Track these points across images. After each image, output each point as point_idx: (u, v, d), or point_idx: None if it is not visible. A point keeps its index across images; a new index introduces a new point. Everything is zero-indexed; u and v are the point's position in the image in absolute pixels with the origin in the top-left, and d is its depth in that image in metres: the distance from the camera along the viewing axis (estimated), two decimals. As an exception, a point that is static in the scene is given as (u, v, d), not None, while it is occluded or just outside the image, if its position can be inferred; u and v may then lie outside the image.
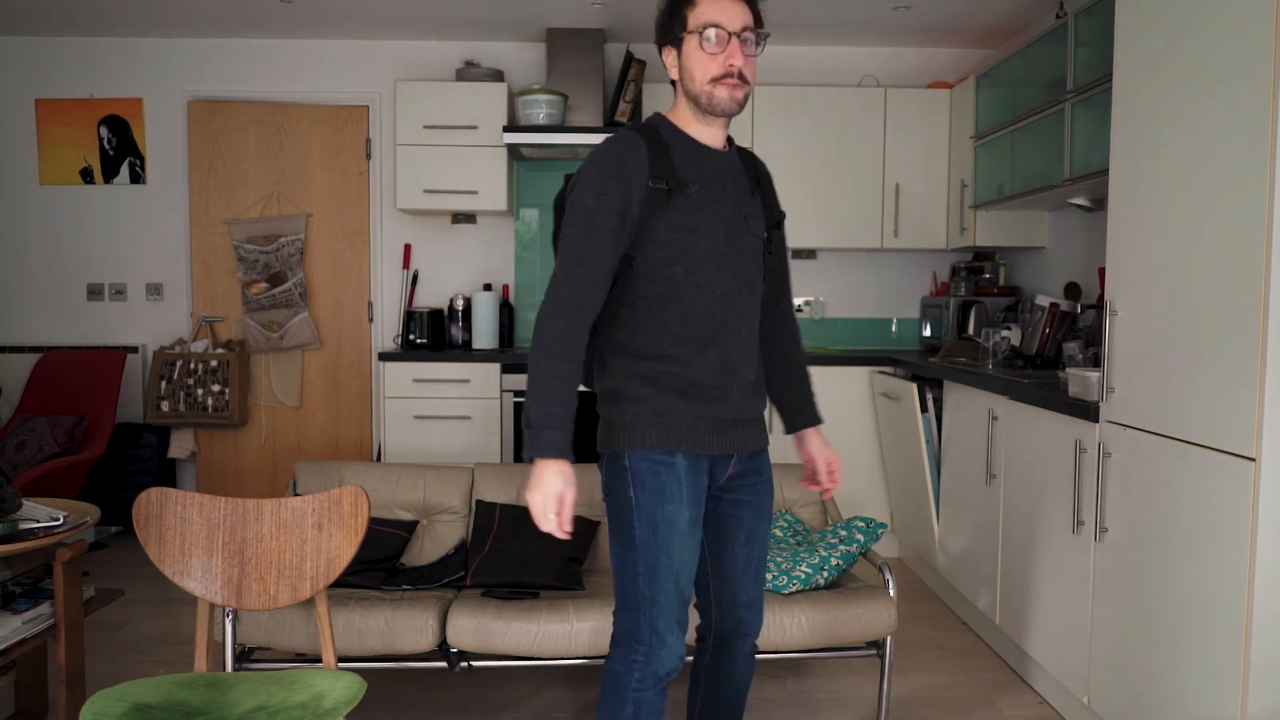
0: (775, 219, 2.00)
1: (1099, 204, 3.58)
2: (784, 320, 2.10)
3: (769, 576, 2.69)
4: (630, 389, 1.84)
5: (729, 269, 1.84)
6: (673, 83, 1.88)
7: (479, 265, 4.92)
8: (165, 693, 1.82)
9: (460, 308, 4.70)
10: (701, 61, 1.79)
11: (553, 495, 1.70)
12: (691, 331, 1.82)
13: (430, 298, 4.91)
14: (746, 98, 1.83)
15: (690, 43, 1.79)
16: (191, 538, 2.01)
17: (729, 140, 1.93)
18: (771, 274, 2.02)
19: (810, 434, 2.10)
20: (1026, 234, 4.32)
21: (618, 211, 1.77)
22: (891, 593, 2.64)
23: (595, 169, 1.80)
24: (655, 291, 1.82)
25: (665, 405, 1.82)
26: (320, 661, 2.52)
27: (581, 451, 2.97)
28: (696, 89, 1.80)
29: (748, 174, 1.94)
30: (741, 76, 1.79)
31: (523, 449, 1.74)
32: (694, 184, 1.81)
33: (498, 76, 4.61)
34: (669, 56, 1.85)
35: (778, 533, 3.00)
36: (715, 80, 1.78)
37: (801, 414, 2.10)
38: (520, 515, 3.00)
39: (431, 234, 4.91)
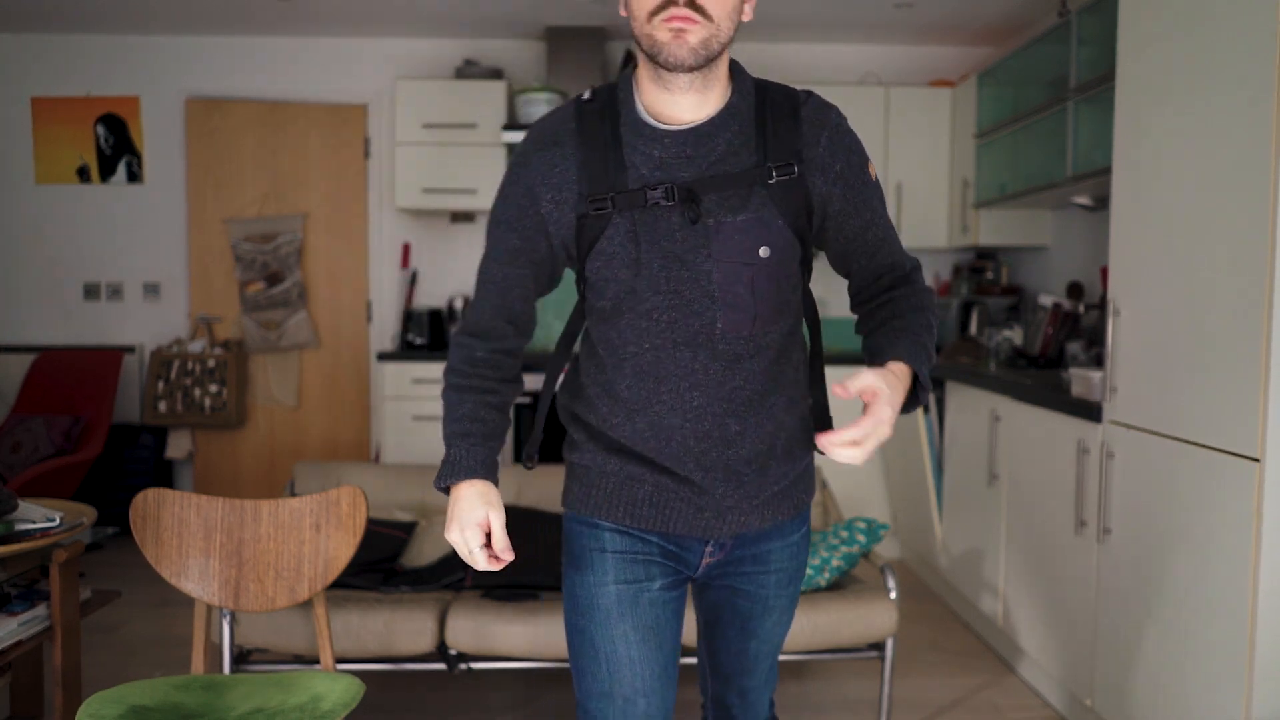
0: (819, 212, 1.35)
1: (1102, 203, 3.57)
2: (879, 300, 1.42)
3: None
4: (572, 431, 1.47)
5: (667, 312, 1.32)
6: None
7: (478, 265, 4.89)
8: (162, 695, 1.80)
9: (459, 307, 4.69)
10: None
11: (472, 525, 1.29)
12: (620, 388, 1.37)
13: (429, 297, 4.90)
14: (708, 42, 1.22)
15: None
16: (189, 539, 1.99)
17: (740, 99, 1.32)
18: (852, 269, 1.43)
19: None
20: (1029, 233, 4.31)
21: (514, 230, 1.36)
22: (893, 594, 2.62)
23: (510, 163, 1.39)
24: (595, 330, 1.40)
25: (590, 457, 1.42)
26: (318, 663, 2.50)
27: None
28: (638, 30, 1.25)
29: (769, 149, 1.32)
30: (694, 6, 1.20)
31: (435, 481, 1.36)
32: (654, 190, 1.28)
33: (497, 75, 4.60)
34: None
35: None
36: (654, 14, 1.21)
37: (878, 357, 1.35)
38: (520, 516, 2.98)
39: (430, 233, 4.89)
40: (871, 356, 1.36)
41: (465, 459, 1.33)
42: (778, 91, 1.36)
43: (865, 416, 1.20)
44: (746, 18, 1.29)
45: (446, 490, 1.34)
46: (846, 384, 1.19)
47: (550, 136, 1.34)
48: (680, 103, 1.29)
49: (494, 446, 1.36)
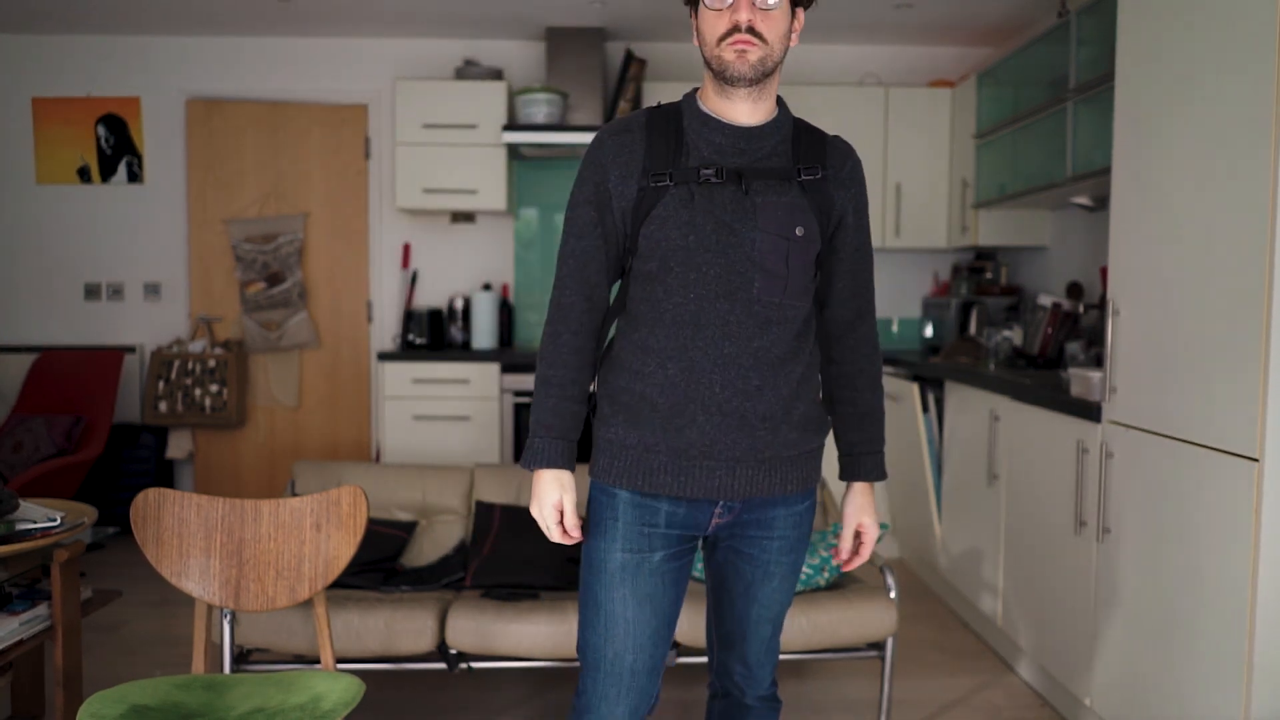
0: (835, 218, 1.64)
1: (1101, 203, 3.58)
2: (856, 348, 1.72)
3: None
4: (601, 406, 1.67)
5: (714, 268, 1.55)
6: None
7: (478, 265, 4.91)
8: (163, 694, 1.81)
9: (460, 307, 4.69)
10: (709, 19, 1.55)
11: (549, 505, 1.61)
12: (656, 340, 1.58)
13: (429, 297, 4.90)
14: (764, 60, 1.54)
15: (704, 3, 1.56)
16: (189, 539, 2.00)
17: (784, 117, 1.64)
18: (836, 288, 1.69)
19: (853, 490, 1.75)
20: (1028, 233, 4.31)
21: (591, 204, 1.60)
22: (892, 594, 2.63)
23: (585, 154, 1.64)
24: (636, 293, 1.61)
25: (614, 431, 1.62)
26: (319, 663, 2.51)
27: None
28: (709, 53, 1.56)
29: (800, 158, 1.62)
30: (754, 32, 1.52)
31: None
32: (707, 170, 1.56)
33: (497, 75, 4.60)
34: (693, 22, 1.61)
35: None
36: (721, 40, 1.53)
37: (850, 465, 1.75)
38: (520, 516, 2.99)
39: (431, 233, 4.90)
40: (844, 460, 1.76)
41: (546, 450, 1.60)
42: (810, 125, 1.69)
43: (864, 545, 1.74)
44: (793, 43, 1.62)
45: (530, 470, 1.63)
46: (843, 546, 1.73)
47: (623, 125, 1.61)
48: (739, 108, 1.59)
49: (571, 439, 1.63)
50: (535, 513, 1.62)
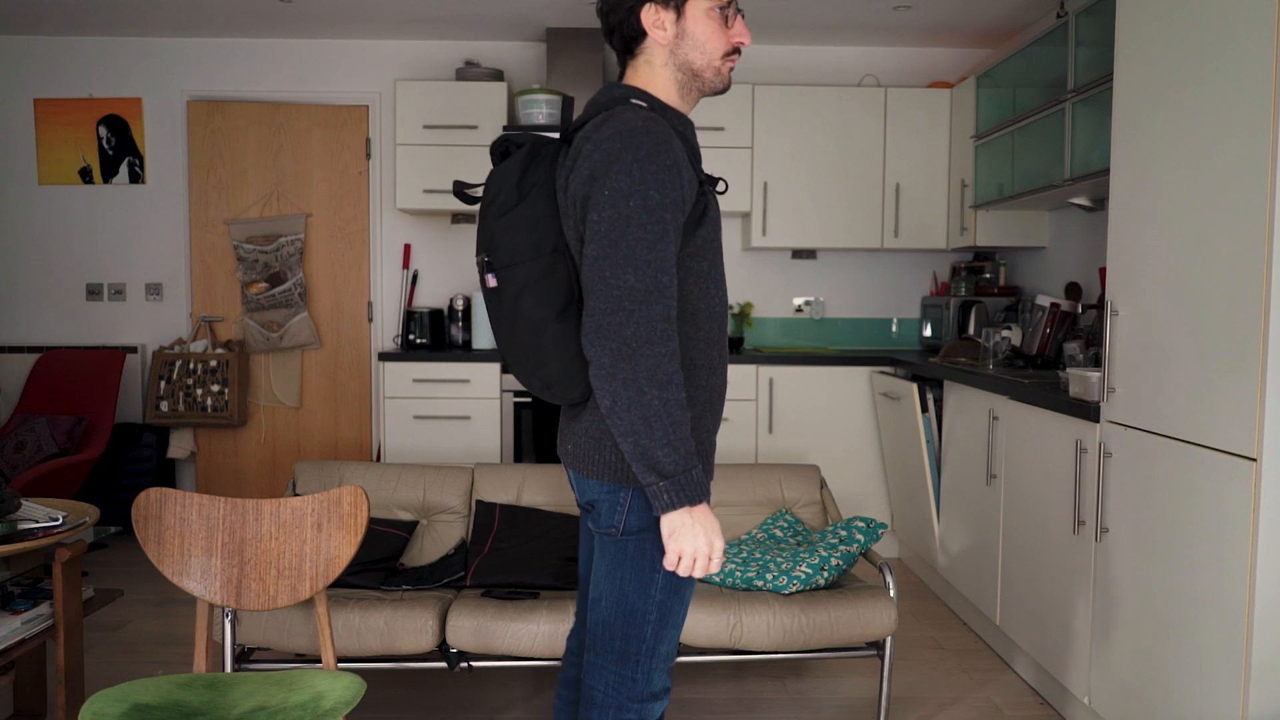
0: None
1: (1100, 204, 3.58)
2: None
3: (769, 576, 2.69)
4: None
5: (721, 259, 1.70)
6: (631, 53, 1.63)
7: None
8: (165, 693, 1.82)
9: (460, 308, 4.70)
10: (718, 33, 1.59)
11: (719, 533, 1.49)
12: (714, 333, 1.62)
13: (430, 298, 4.91)
14: None
15: (698, 7, 1.57)
16: (191, 538, 2.01)
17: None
18: None
19: None
20: (1027, 234, 4.32)
21: (678, 206, 1.50)
22: (891, 593, 2.64)
23: (649, 158, 1.47)
24: (695, 291, 1.59)
25: (700, 431, 1.61)
26: (320, 662, 2.52)
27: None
28: (704, 63, 1.60)
29: None
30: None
31: (659, 503, 1.46)
32: (715, 176, 1.65)
33: (498, 76, 4.61)
34: (656, 16, 1.57)
35: (777, 533, 3.00)
36: (727, 56, 1.61)
37: None
38: (520, 516, 3.00)
39: (431, 234, 4.91)
40: None
41: (703, 482, 1.48)
42: None
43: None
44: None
45: (669, 508, 1.47)
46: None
47: (668, 131, 1.52)
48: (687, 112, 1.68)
49: None
50: (704, 547, 1.47)
